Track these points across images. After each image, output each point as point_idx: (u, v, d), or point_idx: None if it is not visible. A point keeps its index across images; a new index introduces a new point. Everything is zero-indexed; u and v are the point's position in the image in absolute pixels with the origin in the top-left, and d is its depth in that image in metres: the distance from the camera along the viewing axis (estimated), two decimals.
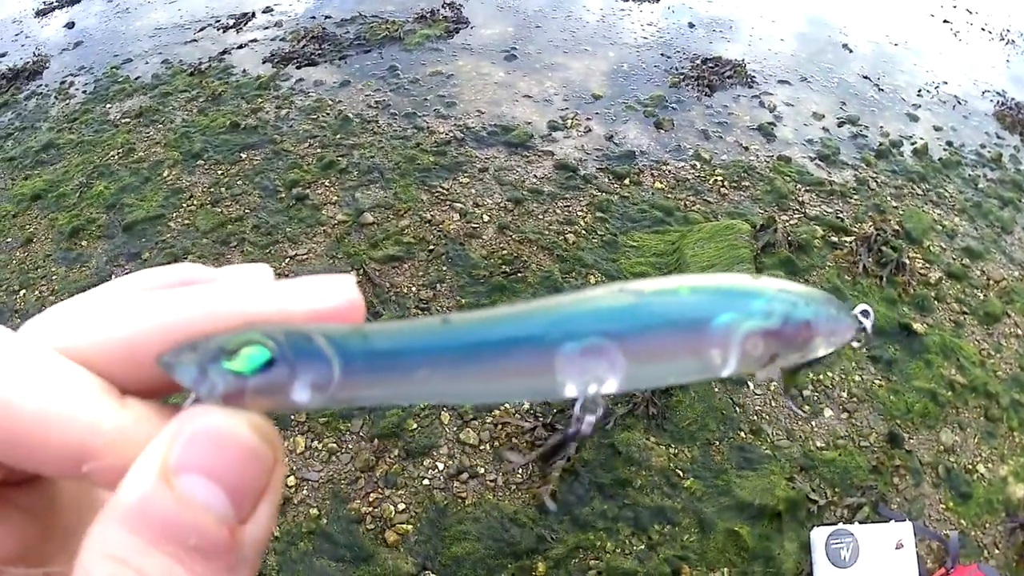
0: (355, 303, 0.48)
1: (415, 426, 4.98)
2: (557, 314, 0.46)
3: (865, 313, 0.52)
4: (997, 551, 4.69)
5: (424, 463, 4.79)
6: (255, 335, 0.44)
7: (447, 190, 6.73)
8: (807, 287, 0.50)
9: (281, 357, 0.44)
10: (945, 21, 10.47)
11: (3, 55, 10.45)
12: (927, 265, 6.30)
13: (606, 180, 6.88)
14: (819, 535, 4.30)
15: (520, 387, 0.47)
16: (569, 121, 7.68)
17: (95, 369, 0.44)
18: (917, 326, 5.75)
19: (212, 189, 6.99)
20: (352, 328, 0.46)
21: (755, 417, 5.11)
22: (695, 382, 0.44)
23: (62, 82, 9.40)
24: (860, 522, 4.51)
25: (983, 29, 10.45)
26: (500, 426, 4.97)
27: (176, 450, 0.40)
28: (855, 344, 0.51)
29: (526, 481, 4.74)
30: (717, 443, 4.96)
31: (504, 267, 5.97)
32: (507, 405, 5.10)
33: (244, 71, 8.87)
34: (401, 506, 4.59)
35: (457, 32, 9.27)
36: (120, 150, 7.75)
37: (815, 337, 0.49)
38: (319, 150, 7.28)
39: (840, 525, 4.34)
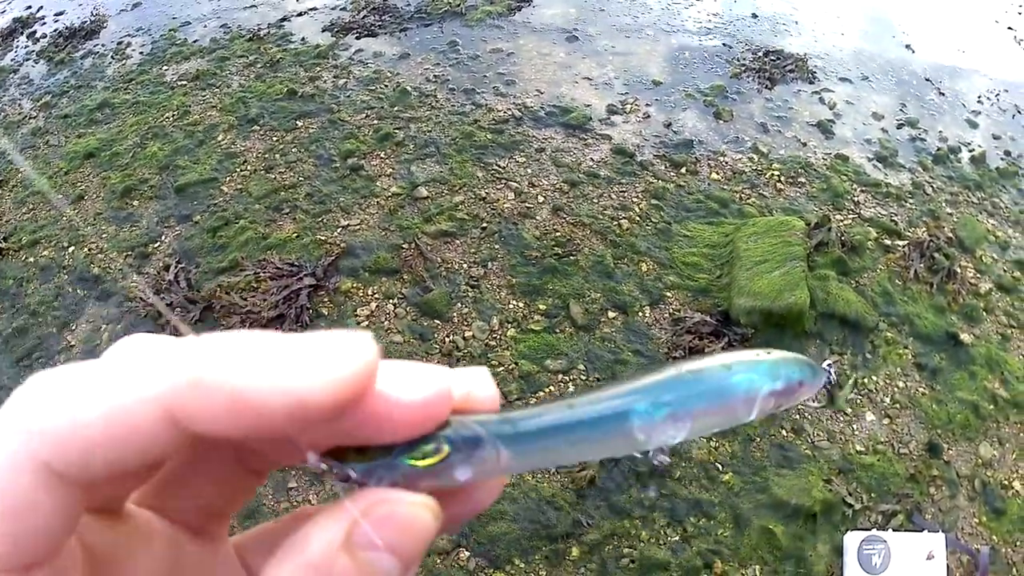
0: (496, 397, 0.57)
1: None
2: (649, 392, 0.56)
3: (830, 365, 0.70)
4: None
5: None
6: (436, 437, 0.51)
7: (503, 168, 6.74)
8: (794, 355, 0.65)
9: (455, 451, 0.51)
10: (1009, 28, 10.31)
11: (61, 13, 10.52)
12: (978, 275, 6.23)
13: (663, 167, 6.85)
14: (852, 539, 4.30)
15: (624, 446, 0.57)
16: (628, 106, 7.64)
17: None
18: (964, 336, 5.70)
19: (266, 155, 7.03)
20: (502, 417, 0.54)
21: (797, 416, 5.09)
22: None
23: (119, 42, 9.46)
24: (894, 529, 4.50)
25: None
26: None
27: (368, 528, 0.46)
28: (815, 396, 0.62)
29: (565, 465, 4.75)
30: (758, 439, 4.96)
31: (556, 249, 5.97)
32: (552, 387, 5.13)
33: (303, 39, 8.89)
34: None
35: (519, 10, 9.23)
36: (175, 112, 7.82)
37: (803, 389, 0.64)
38: (376, 121, 7.31)
39: (874, 531, 4.33)
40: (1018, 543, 4.72)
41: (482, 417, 0.54)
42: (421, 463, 0.50)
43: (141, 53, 9.14)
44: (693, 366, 0.59)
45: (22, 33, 10.22)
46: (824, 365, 0.69)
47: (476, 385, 0.56)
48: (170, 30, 9.49)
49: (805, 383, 0.64)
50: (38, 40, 9.99)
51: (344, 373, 0.44)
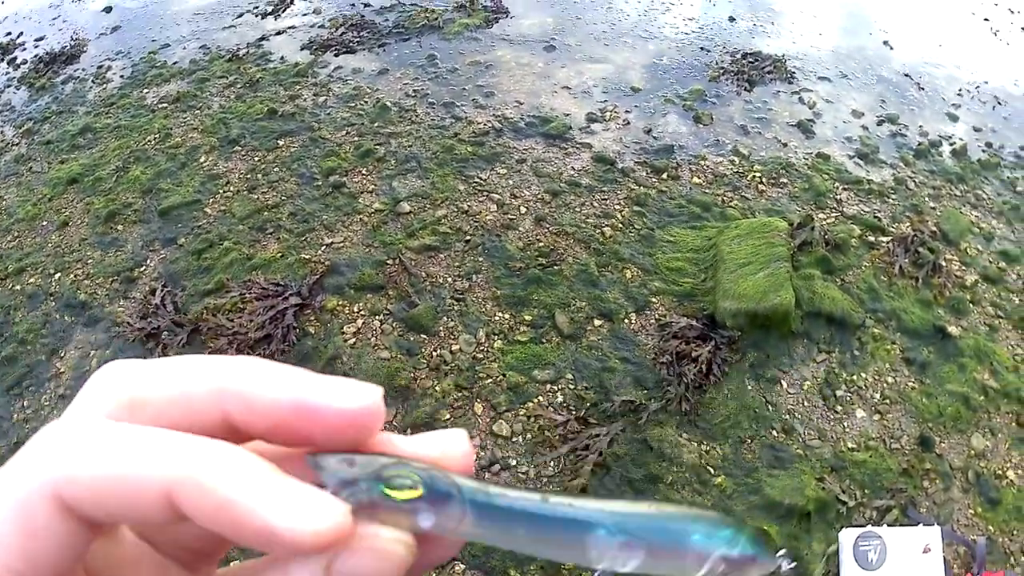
0: (470, 455, 0.60)
1: (448, 416, 5.01)
2: (617, 516, 0.58)
3: (783, 556, 0.66)
4: None
5: None
6: (414, 475, 0.54)
7: (484, 181, 6.74)
8: (757, 532, 0.64)
9: (427, 497, 0.54)
10: (985, 19, 10.36)
11: (41, 39, 10.55)
12: (963, 267, 6.25)
13: (644, 174, 6.86)
14: (847, 536, 4.30)
15: (574, 556, 0.58)
16: (608, 113, 7.66)
17: None
18: (952, 329, 5.71)
19: (249, 175, 7.03)
20: (480, 485, 0.56)
21: (787, 416, 5.10)
22: None
23: (99, 66, 9.48)
24: (888, 525, 4.50)
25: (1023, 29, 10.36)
26: (533, 419, 4.99)
27: (346, 562, 0.50)
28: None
29: (558, 474, 4.75)
30: (749, 441, 4.96)
31: (540, 259, 5.97)
32: (540, 398, 5.12)
33: (282, 57, 8.91)
34: None
35: (496, 22, 9.26)
36: (157, 135, 7.82)
37: (754, 566, 0.62)
38: (356, 138, 7.31)
39: (868, 527, 4.33)
40: (1015, 532, 4.72)
41: (461, 477, 0.56)
42: (395, 494, 0.53)
43: (121, 77, 9.15)
44: (666, 508, 0.61)
45: (2, 59, 10.25)
46: (779, 554, 0.68)
47: (451, 444, 0.59)
48: (150, 52, 9.51)
49: (758, 561, 0.63)
50: (18, 66, 10.01)
51: (323, 527, 0.48)
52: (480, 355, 5.42)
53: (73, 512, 0.47)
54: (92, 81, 9.19)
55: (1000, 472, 4.99)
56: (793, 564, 0.68)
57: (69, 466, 0.46)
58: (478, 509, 0.54)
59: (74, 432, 0.48)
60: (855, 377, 5.38)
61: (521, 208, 6.46)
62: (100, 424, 0.49)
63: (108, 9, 10.95)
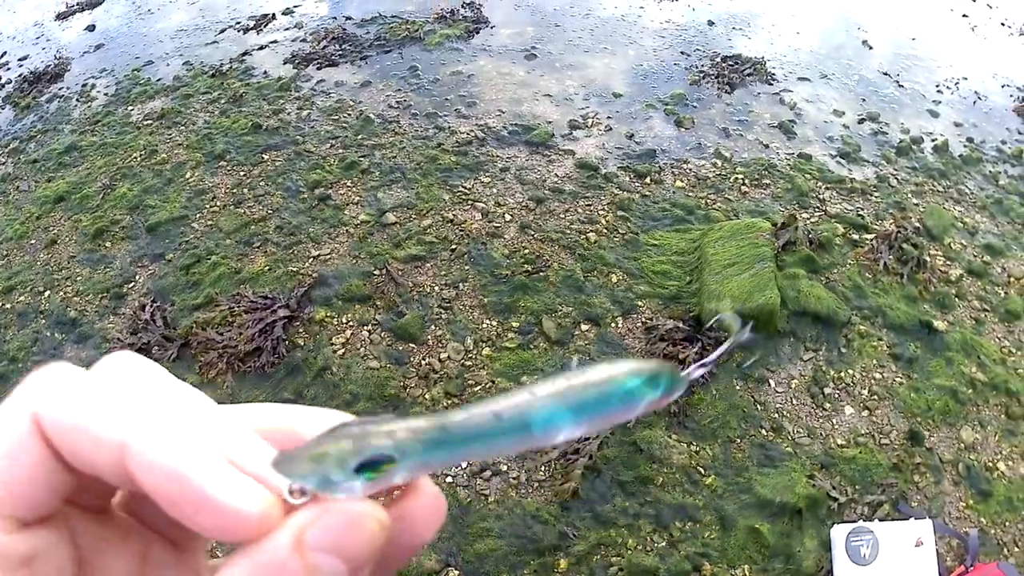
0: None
1: None
2: (550, 407, 0.59)
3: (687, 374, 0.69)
4: (1017, 549, 4.67)
5: None
6: (384, 452, 0.54)
7: (469, 190, 6.77)
8: (659, 364, 0.66)
9: (401, 464, 0.54)
10: (964, 16, 10.42)
11: (24, 58, 10.55)
12: (948, 262, 6.29)
13: (627, 179, 6.89)
14: (839, 533, 4.30)
15: (533, 446, 0.60)
16: (590, 120, 7.69)
17: None
18: (938, 323, 5.75)
19: (235, 190, 7.04)
20: (430, 420, 0.57)
21: (776, 415, 5.12)
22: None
23: (84, 85, 9.47)
24: (880, 519, 4.52)
25: (1002, 24, 10.39)
26: None
27: (316, 531, 0.50)
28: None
29: (548, 479, 4.77)
30: (738, 440, 4.98)
31: (526, 266, 5.99)
32: None
33: (265, 72, 8.93)
34: None
35: (477, 32, 9.31)
36: (142, 152, 7.83)
37: (669, 397, 0.65)
38: (341, 151, 7.33)
39: (860, 522, 4.34)
40: (1007, 523, 4.75)
41: (419, 423, 0.57)
42: (369, 478, 0.53)
43: (106, 94, 9.15)
44: (591, 377, 0.62)
45: None
46: (687, 371, 0.70)
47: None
48: (133, 70, 9.51)
49: (672, 393, 0.67)
50: (3, 86, 10.02)
51: (259, 509, 0.51)
52: (469, 363, 5.43)
53: (51, 445, 0.49)
54: (77, 99, 9.19)
55: (991, 464, 5.02)
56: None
57: (49, 404, 0.50)
58: (443, 448, 0.56)
59: (61, 376, 0.53)
60: (843, 374, 5.40)
61: (506, 216, 6.48)
62: (84, 374, 0.53)
63: (91, 27, 10.96)
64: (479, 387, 5.25)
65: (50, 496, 0.51)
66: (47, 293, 6.48)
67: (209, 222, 6.74)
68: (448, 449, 0.56)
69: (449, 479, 4.75)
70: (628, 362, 0.64)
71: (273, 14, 10.23)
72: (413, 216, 6.53)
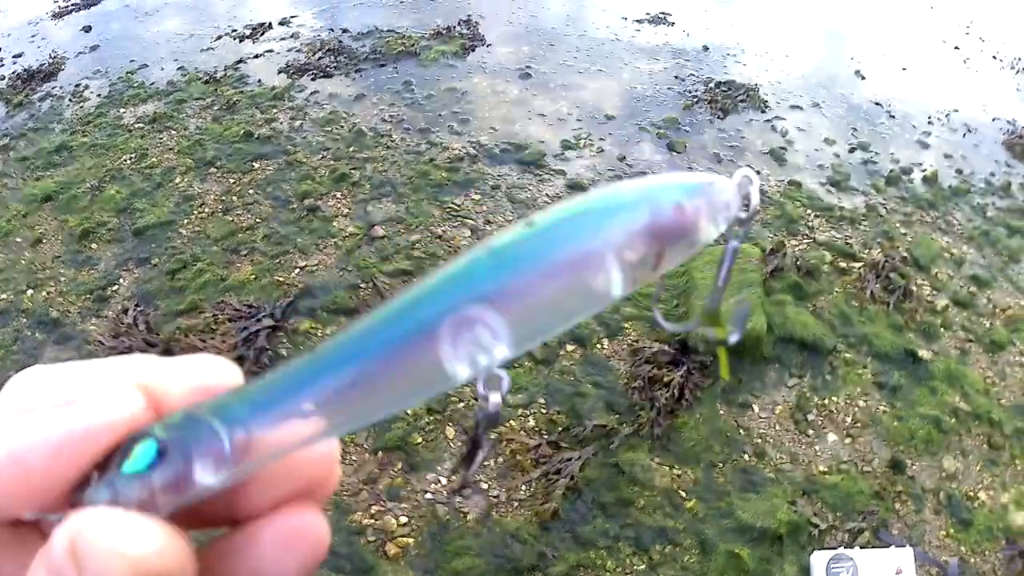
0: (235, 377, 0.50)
1: (420, 440, 5.00)
2: (421, 296, 0.45)
3: (748, 180, 0.51)
4: None
5: (427, 477, 4.82)
6: (139, 432, 0.44)
7: (459, 206, 6.77)
8: (679, 174, 0.48)
9: (170, 443, 0.44)
10: (956, 48, 10.47)
11: (19, 55, 10.50)
12: (934, 292, 6.31)
13: None
14: (819, 559, 4.29)
15: (414, 390, 0.46)
16: (582, 141, 7.71)
17: None
18: (923, 353, 5.76)
19: (224, 197, 7.03)
20: (232, 391, 0.47)
21: (759, 440, 5.12)
22: (588, 317, 0.41)
23: (77, 85, 9.44)
24: (860, 547, 4.50)
25: (994, 57, 10.43)
26: (505, 443, 4.99)
27: (81, 547, 0.42)
28: (742, 215, 0.50)
29: (529, 498, 4.75)
30: (721, 465, 4.98)
31: None
32: (512, 422, 5.12)
33: (259, 81, 8.92)
34: (403, 519, 4.61)
35: (473, 49, 9.32)
36: (133, 155, 7.80)
37: (695, 219, 0.47)
38: (332, 162, 7.33)
39: (840, 550, 4.34)
40: (986, 552, 4.75)
41: (211, 398, 0.47)
42: (133, 467, 0.44)
43: (99, 95, 9.12)
44: (496, 238, 0.47)
45: None
46: (737, 176, 0.51)
47: (214, 374, 0.50)
48: (128, 72, 9.49)
49: (690, 206, 0.47)
50: None
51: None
52: None
53: None
54: (69, 99, 9.16)
55: (971, 494, 5.02)
56: (751, 181, 0.51)
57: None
58: (249, 420, 0.44)
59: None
60: (827, 401, 5.41)
61: (495, 234, 6.46)
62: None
63: (87, 28, 10.92)
64: (462, 404, 5.23)
65: None
66: (30, 292, 6.44)
67: (197, 228, 6.72)
68: (262, 419, 0.44)
69: (429, 495, 4.74)
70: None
71: (269, 23, 10.21)
72: (402, 230, 6.53)
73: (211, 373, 0.50)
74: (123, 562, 0.41)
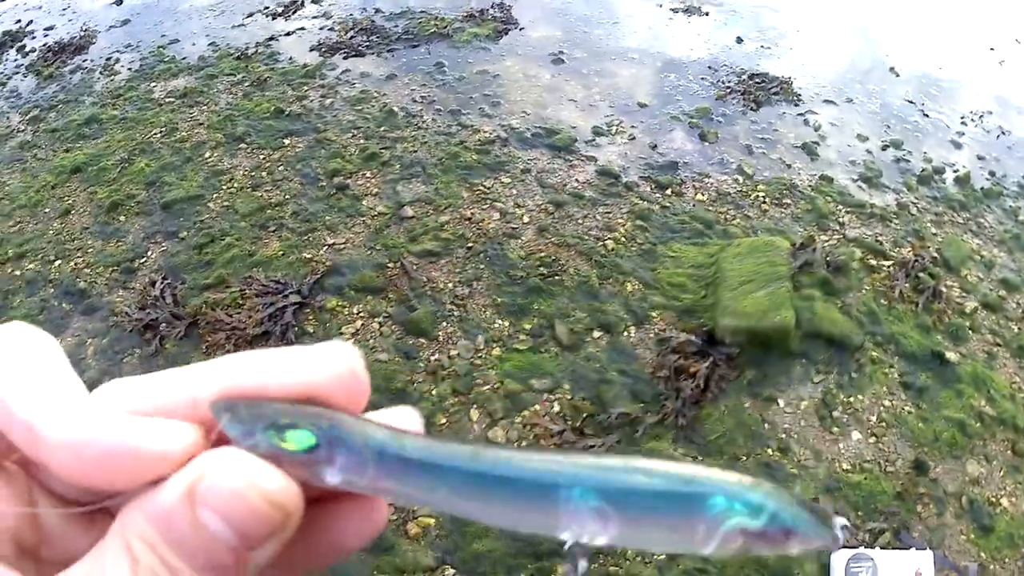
0: (358, 375, 0.55)
1: (444, 421, 5.00)
2: (574, 472, 0.50)
3: (844, 528, 0.54)
4: None
5: None
6: (304, 419, 0.51)
7: (488, 189, 6.76)
8: (794, 496, 0.53)
9: (323, 445, 0.50)
10: (991, 49, 10.38)
11: (51, 28, 10.56)
12: (963, 294, 6.25)
13: (648, 189, 6.87)
14: (839, 558, 4.28)
15: (527, 522, 0.51)
16: (614, 127, 7.68)
17: None
18: (950, 355, 5.71)
19: (253, 173, 7.04)
20: (392, 432, 0.52)
21: (784, 435, 5.09)
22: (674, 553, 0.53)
23: (108, 58, 9.48)
24: (881, 547, 4.49)
25: None
26: (529, 427, 4.98)
27: (202, 487, 0.47)
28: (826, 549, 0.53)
29: None
30: (744, 458, 4.96)
31: (542, 269, 5.98)
32: (537, 407, 5.11)
33: (291, 58, 8.93)
34: None
35: (506, 32, 9.30)
36: (163, 129, 7.83)
37: (791, 542, 0.52)
38: (362, 141, 7.33)
39: (861, 549, 4.32)
40: (1006, 559, 4.71)
41: (373, 424, 0.52)
42: (282, 444, 0.50)
43: (130, 69, 9.16)
44: (659, 466, 0.52)
45: (11, 47, 10.27)
46: (838, 524, 0.54)
47: (401, 422, 0.56)
48: (159, 47, 9.52)
49: (796, 535, 0.52)
50: (27, 54, 10.03)
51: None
52: (478, 361, 5.42)
53: None
54: (100, 72, 9.20)
55: (994, 499, 4.99)
56: (846, 529, 0.55)
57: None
58: (387, 462, 0.50)
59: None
60: (852, 399, 5.37)
61: (524, 217, 6.47)
62: None
63: (119, 2, 10.96)
64: (487, 387, 5.23)
65: None
66: (58, 262, 6.48)
67: (225, 203, 6.74)
68: (396, 467, 0.51)
69: None
70: (731, 472, 0.52)
71: (302, 1, 10.22)
72: (431, 211, 6.52)
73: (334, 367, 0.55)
74: (255, 492, 0.47)
